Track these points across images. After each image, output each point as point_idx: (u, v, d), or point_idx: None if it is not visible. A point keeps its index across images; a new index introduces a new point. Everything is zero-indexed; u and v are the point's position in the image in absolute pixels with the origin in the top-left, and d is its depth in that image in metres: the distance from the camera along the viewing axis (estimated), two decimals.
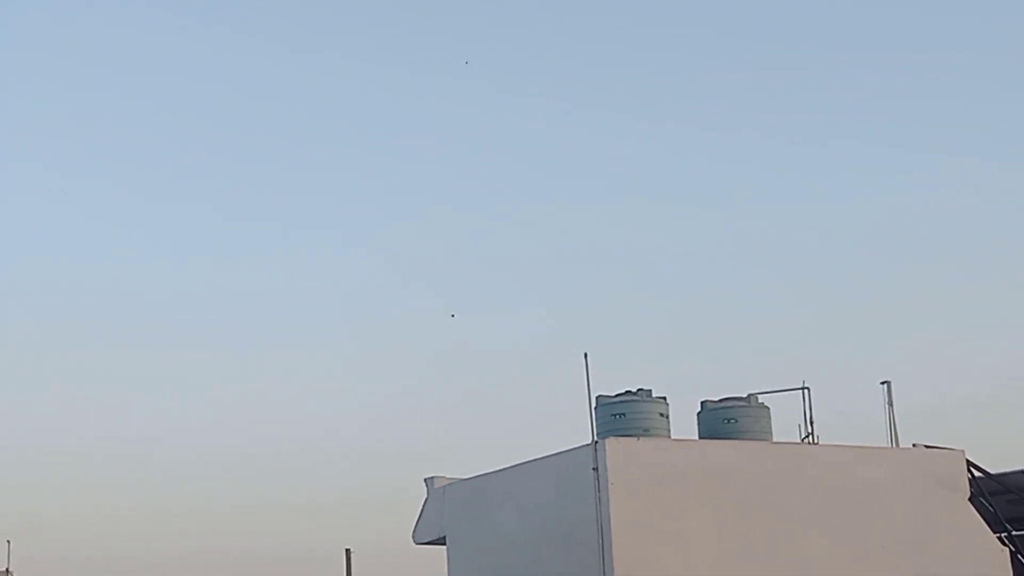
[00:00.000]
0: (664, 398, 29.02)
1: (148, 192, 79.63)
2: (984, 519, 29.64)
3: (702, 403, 29.86)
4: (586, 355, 27.34)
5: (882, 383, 30.93)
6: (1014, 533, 31.36)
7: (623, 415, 28.44)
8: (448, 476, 31.47)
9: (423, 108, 76.53)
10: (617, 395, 28.90)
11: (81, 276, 78.88)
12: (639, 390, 28.85)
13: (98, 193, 79.97)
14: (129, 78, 79.56)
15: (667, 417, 28.82)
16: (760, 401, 29.59)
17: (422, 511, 31.85)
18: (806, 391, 29.70)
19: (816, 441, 29.34)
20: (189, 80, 79.69)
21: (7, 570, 44.97)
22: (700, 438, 29.28)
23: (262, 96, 78.98)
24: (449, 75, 75.99)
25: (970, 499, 29.54)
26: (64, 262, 79.98)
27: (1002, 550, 29.58)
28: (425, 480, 31.97)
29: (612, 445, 26.76)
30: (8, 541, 44.96)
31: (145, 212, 79.21)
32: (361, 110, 77.77)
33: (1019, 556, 30.97)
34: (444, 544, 30.96)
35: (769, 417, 29.55)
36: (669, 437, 28.55)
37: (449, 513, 30.78)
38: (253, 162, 79.38)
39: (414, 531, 32.08)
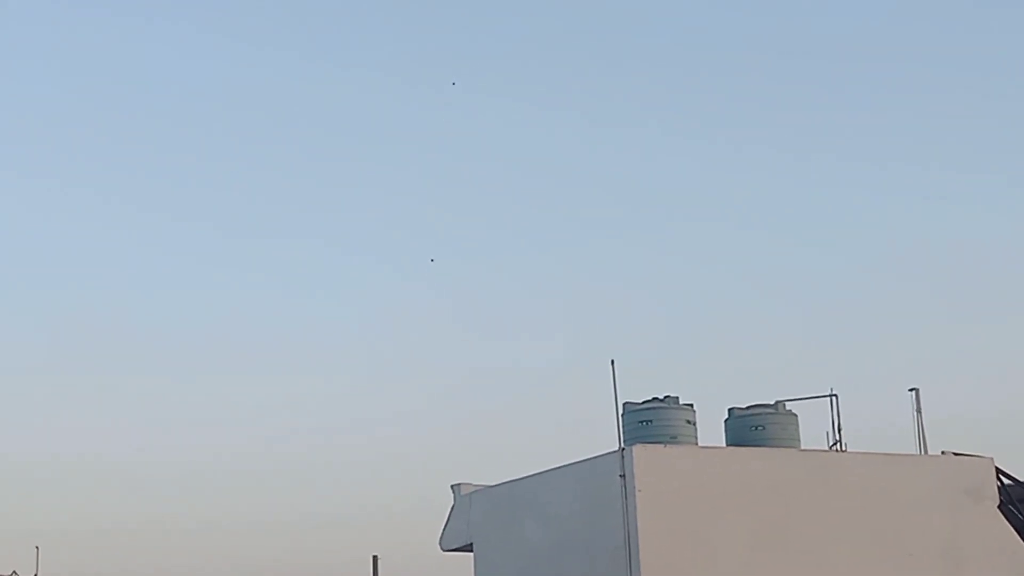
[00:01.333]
0: (691, 405, 29.01)
1: (164, 207, 79.74)
2: (1013, 526, 29.48)
3: (729, 410, 29.80)
4: (613, 362, 27.43)
5: (910, 390, 30.81)
6: None
7: (650, 422, 28.47)
8: (475, 483, 31.48)
9: (445, 125, 76.68)
10: (644, 402, 28.88)
11: (98, 296, 79.00)
12: (666, 397, 28.88)
13: (106, 207, 79.95)
14: (137, 91, 79.68)
15: (694, 424, 28.84)
16: (788, 408, 29.54)
17: (449, 518, 31.85)
18: (834, 398, 29.61)
19: (844, 448, 29.23)
20: (192, 92, 79.80)
21: (36, 575, 45.21)
22: (728, 445, 29.26)
23: (282, 110, 79.17)
24: (474, 91, 76.08)
25: (999, 507, 29.42)
26: (77, 282, 79.84)
27: None
28: (452, 487, 31.97)
29: (639, 452, 26.77)
30: (36, 547, 45.22)
31: (161, 228, 79.19)
32: (381, 125, 77.83)
33: None
34: (471, 551, 30.96)
35: (797, 424, 29.48)
36: (696, 444, 28.54)
37: (476, 520, 30.77)
38: (278, 179, 79.58)
39: (441, 538, 32.08)
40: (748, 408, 29.55)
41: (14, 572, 45.15)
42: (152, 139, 79.03)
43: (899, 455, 29.17)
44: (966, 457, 29.55)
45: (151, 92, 79.36)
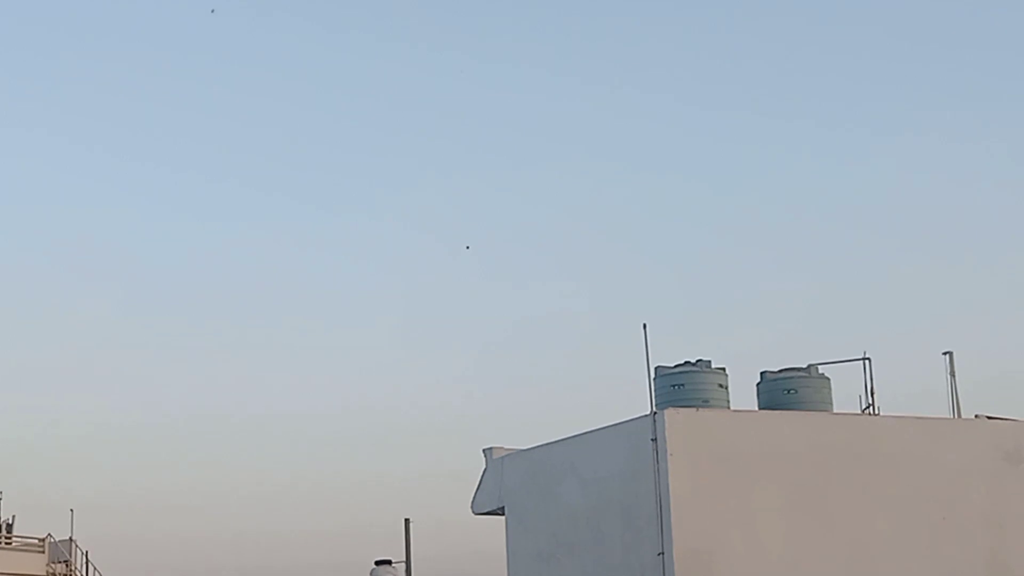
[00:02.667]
0: (723, 369, 28.99)
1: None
2: None
3: (762, 374, 29.79)
4: (645, 326, 27.41)
5: (944, 353, 30.72)
6: None
7: (682, 386, 28.43)
8: (506, 447, 31.60)
9: (477, 89, 76.82)
10: (676, 366, 28.87)
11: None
12: (698, 361, 28.82)
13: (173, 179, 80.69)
14: (181, 60, 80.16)
15: (726, 388, 28.79)
16: (820, 372, 29.48)
17: (480, 482, 32.01)
18: (867, 362, 29.48)
19: (877, 412, 29.17)
20: (227, 63, 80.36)
21: (71, 538, 45.55)
22: (760, 409, 29.28)
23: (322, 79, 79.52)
24: (504, 60, 76.18)
25: None
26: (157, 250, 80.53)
27: None
28: (484, 451, 32.07)
29: (671, 416, 26.80)
30: (71, 510, 45.59)
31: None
32: (411, 91, 78.10)
33: None
34: (502, 514, 31.14)
35: (829, 388, 29.46)
36: (728, 408, 28.52)
37: (508, 484, 30.88)
38: (315, 148, 79.95)
39: (473, 502, 32.24)
40: (780, 372, 29.52)
41: (49, 534, 45.56)
42: (243, 116, 79.80)
43: (933, 419, 29.06)
44: (1001, 421, 29.43)
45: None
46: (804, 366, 29.41)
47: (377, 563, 38.81)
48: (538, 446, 30.41)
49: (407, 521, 42.36)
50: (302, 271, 79.45)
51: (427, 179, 78.26)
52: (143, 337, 75.61)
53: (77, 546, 45.27)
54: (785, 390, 29.06)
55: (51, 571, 44.40)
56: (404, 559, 40.26)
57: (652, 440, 26.58)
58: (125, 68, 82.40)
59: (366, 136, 79.82)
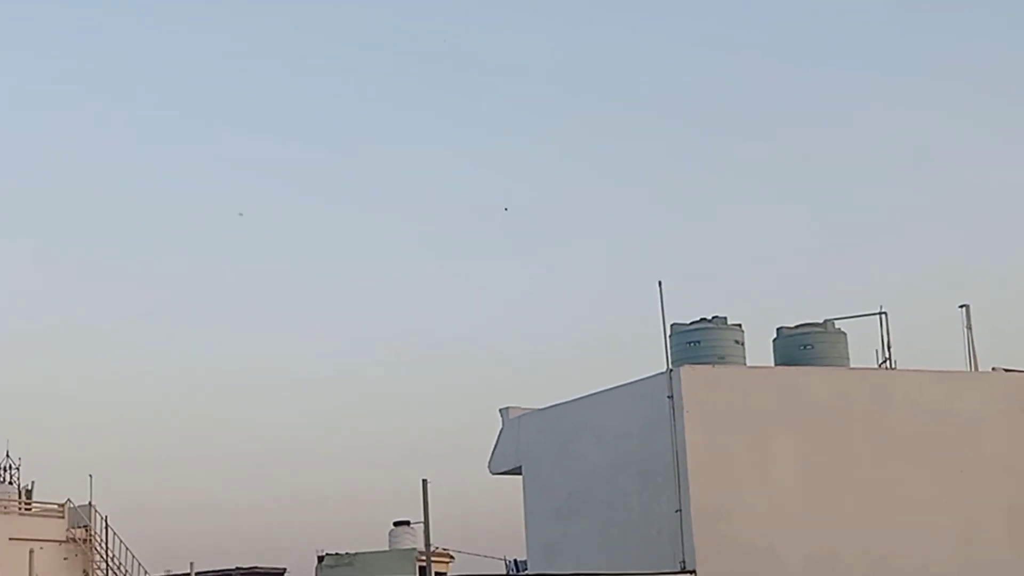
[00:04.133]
0: (739, 325, 28.99)
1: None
2: None
3: (778, 330, 29.77)
4: (660, 283, 27.41)
5: (960, 306, 30.72)
6: None
7: (698, 343, 28.45)
8: (523, 407, 31.66)
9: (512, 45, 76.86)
10: (692, 323, 28.87)
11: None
12: (714, 317, 28.87)
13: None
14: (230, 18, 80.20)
15: (743, 344, 28.83)
16: (837, 327, 29.47)
17: (497, 441, 32.09)
18: (883, 316, 29.47)
19: (894, 366, 29.16)
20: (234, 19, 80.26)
21: (90, 503, 45.78)
22: (776, 365, 29.26)
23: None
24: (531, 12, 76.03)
25: None
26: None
27: None
28: (500, 411, 32.13)
29: (687, 373, 26.93)
30: (90, 475, 45.74)
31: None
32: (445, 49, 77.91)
33: None
34: (519, 474, 31.23)
35: (846, 343, 29.45)
36: (745, 364, 28.56)
37: (524, 443, 30.98)
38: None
39: (490, 461, 32.36)
40: (797, 327, 29.49)
41: (68, 500, 45.73)
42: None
43: (950, 372, 29.12)
44: (1018, 373, 29.45)
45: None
46: (820, 321, 29.42)
47: (396, 524, 38.92)
48: (554, 405, 30.50)
49: (424, 482, 42.44)
50: (315, 230, 79.41)
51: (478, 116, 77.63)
52: (161, 302, 75.71)
53: (96, 511, 45.50)
54: (802, 345, 29.05)
55: (71, 536, 44.67)
56: (423, 520, 40.41)
57: (668, 397, 26.70)
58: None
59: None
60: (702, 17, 75.37)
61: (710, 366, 27.56)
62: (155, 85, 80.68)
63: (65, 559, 44.31)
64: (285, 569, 43.98)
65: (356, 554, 34.75)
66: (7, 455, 45.77)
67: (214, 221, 79.28)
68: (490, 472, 32.47)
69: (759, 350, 29.47)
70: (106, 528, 45.57)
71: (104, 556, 44.76)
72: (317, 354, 72.44)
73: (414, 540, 41.14)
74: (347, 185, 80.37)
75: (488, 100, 78.82)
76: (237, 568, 43.41)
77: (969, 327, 30.32)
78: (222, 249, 78.88)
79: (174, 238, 77.08)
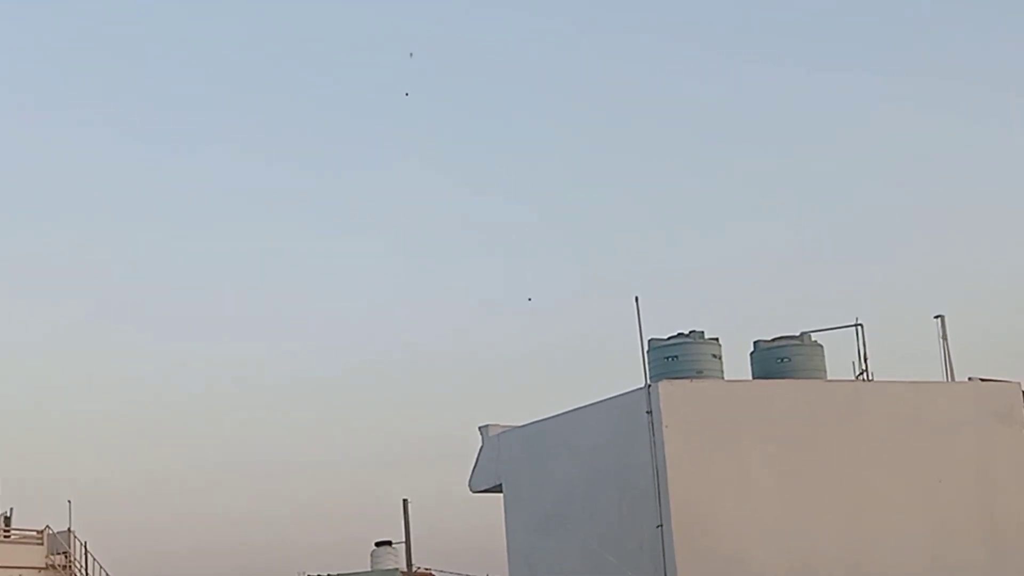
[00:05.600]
0: (716, 339, 29.12)
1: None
2: None
3: (755, 343, 29.92)
4: (637, 299, 27.59)
5: (936, 317, 30.88)
6: None
7: (676, 357, 28.60)
8: (503, 424, 31.69)
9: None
10: (669, 338, 28.97)
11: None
12: (691, 332, 28.97)
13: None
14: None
15: (720, 358, 28.95)
16: (813, 339, 29.58)
17: (478, 459, 32.13)
18: (859, 328, 29.55)
19: (871, 378, 29.26)
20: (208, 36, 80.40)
21: (69, 529, 45.71)
22: (754, 379, 29.41)
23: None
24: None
25: None
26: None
27: None
28: (480, 428, 32.23)
29: (665, 388, 26.97)
30: (69, 501, 45.73)
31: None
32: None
33: None
34: (500, 491, 31.23)
35: (823, 355, 29.59)
36: (723, 378, 28.72)
37: (505, 460, 31.03)
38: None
39: (470, 479, 32.38)
40: (773, 340, 29.60)
41: (47, 527, 45.75)
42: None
43: (926, 382, 29.22)
44: (993, 382, 29.57)
45: None
46: (797, 334, 29.54)
47: (378, 544, 39.05)
48: (533, 422, 30.53)
49: (405, 502, 42.63)
50: (286, 242, 79.45)
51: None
52: (131, 318, 75.68)
53: (76, 537, 45.47)
54: (779, 359, 29.18)
55: (50, 563, 44.62)
56: (404, 539, 40.56)
57: (647, 412, 26.73)
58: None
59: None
60: (682, 25, 75.64)
61: (688, 381, 27.65)
62: (89, 99, 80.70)
63: None
64: None
65: (339, 575, 34.85)
66: None
67: (189, 237, 79.32)
68: (471, 490, 32.50)
69: (737, 364, 29.68)
70: (85, 554, 45.57)
71: None
72: (294, 367, 72.46)
73: (396, 560, 41.26)
74: (323, 201, 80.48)
75: (460, 112, 79.03)
76: None
77: (944, 337, 30.48)
78: (197, 261, 78.89)
79: (144, 250, 77.07)
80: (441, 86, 78.45)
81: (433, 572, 38.69)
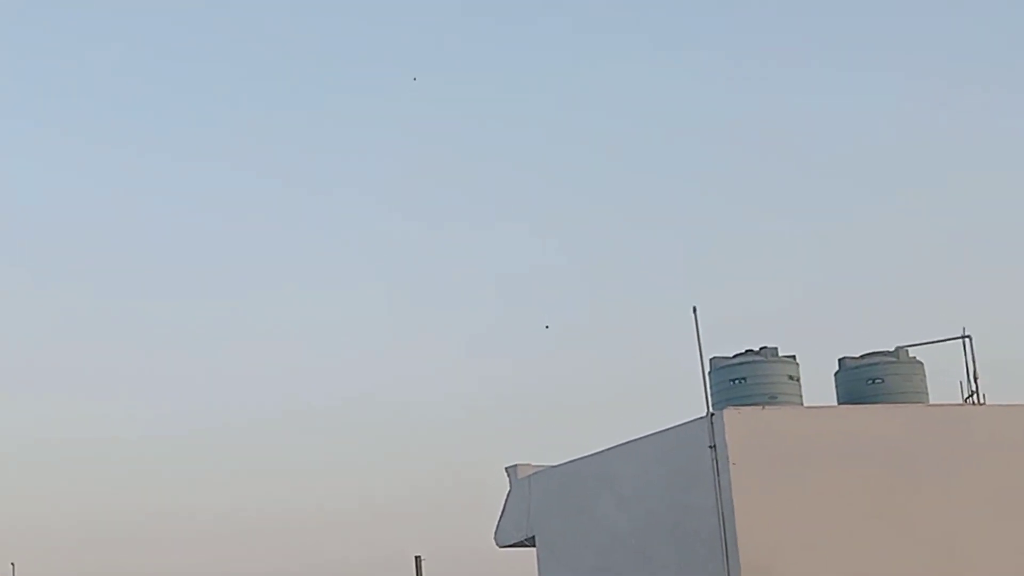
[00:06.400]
0: (793, 357, 28.84)
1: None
2: None
3: (840, 361, 29.52)
4: (695, 309, 27.30)
5: None
6: None
7: (744, 380, 28.44)
8: (534, 464, 31.80)
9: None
10: (736, 355, 28.71)
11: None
12: (762, 348, 28.65)
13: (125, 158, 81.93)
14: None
15: (798, 380, 28.65)
16: (911, 355, 29.28)
17: (504, 507, 32.10)
18: (967, 340, 29.17)
19: (982, 400, 28.77)
20: (195, 32, 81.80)
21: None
22: (839, 404, 29.09)
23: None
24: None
25: None
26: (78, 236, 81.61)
27: None
28: (506, 470, 32.31)
29: (732, 417, 26.66)
30: (12, 564, 46.18)
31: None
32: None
33: None
34: (533, 545, 31.16)
35: (923, 374, 29.30)
36: (801, 404, 28.38)
37: (537, 508, 30.94)
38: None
39: (496, 532, 32.35)
40: (862, 357, 29.46)
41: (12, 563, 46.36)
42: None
43: None
44: None
45: None
46: (891, 349, 29.25)
47: None
48: (571, 461, 30.42)
49: (418, 559, 42.67)
50: (276, 261, 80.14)
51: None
52: (75, 342, 76.49)
53: None
54: (869, 379, 29.00)
55: None
56: None
57: (710, 447, 26.60)
58: None
59: None
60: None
61: (759, 408, 27.28)
62: None
63: None
64: None
65: None
66: None
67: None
68: (497, 545, 32.55)
69: (818, 386, 29.32)
70: None
71: None
72: (298, 406, 72.59)
73: None
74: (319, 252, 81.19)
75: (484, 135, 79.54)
76: None
77: None
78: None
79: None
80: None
81: None
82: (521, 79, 78.38)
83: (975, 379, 29.17)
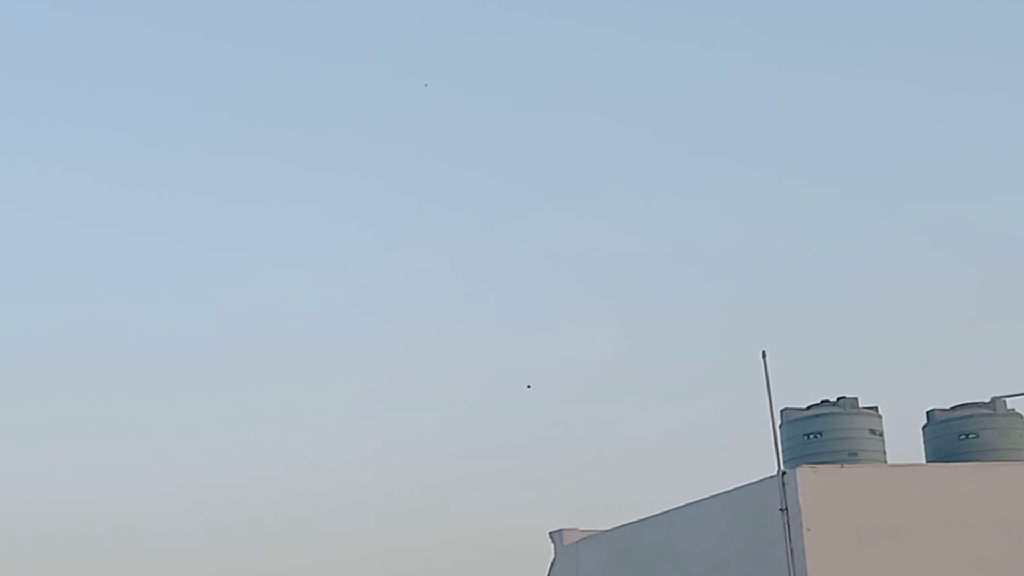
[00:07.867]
0: (876, 408, 28.42)
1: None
2: None
3: (928, 413, 29.08)
4: (764, 354, 26.78)
5: None
6: None
7: (820, 434, 28.15)
8: (581, 529, 31.64)
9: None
10: (810, 407, 28.36)
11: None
12: (840, 399, 28.24)
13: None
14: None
15: (881, 435, 28.30)
16: (1009, 407, 28.73)
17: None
18: None
19: None
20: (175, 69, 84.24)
21: None
22: (928, 461, 28.68)
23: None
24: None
25: None
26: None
27: None
28: (551, 535, 32.10)
29: (806, 476, 26.12)
30: None
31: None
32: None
33: None
34: None
35: (1023, 428, 28.86)
36: (885, 462, 27.97)
37: None
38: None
39: None
40: (954, 409, 28.91)
41: None
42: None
43: None
44: None
45: None
46: (987, 400, 28.73)
47: None
48: (623, 525, 30.18)
49: None
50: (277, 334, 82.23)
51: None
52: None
53: None
54: (963, 434, 28.54)
55: None
56: None
57: (781, 510, 26.06)
58: None
59: None
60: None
61: (837, 466, 26.77)
62: None
63: None
64: None
65: None
66: None
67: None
68: None
69: (904, 442, 29.01)
70: None
71: None
72: (278, 464, 73.38)
73: None
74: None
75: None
76: None
77: None
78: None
79: None
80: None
81: None
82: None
83: None
